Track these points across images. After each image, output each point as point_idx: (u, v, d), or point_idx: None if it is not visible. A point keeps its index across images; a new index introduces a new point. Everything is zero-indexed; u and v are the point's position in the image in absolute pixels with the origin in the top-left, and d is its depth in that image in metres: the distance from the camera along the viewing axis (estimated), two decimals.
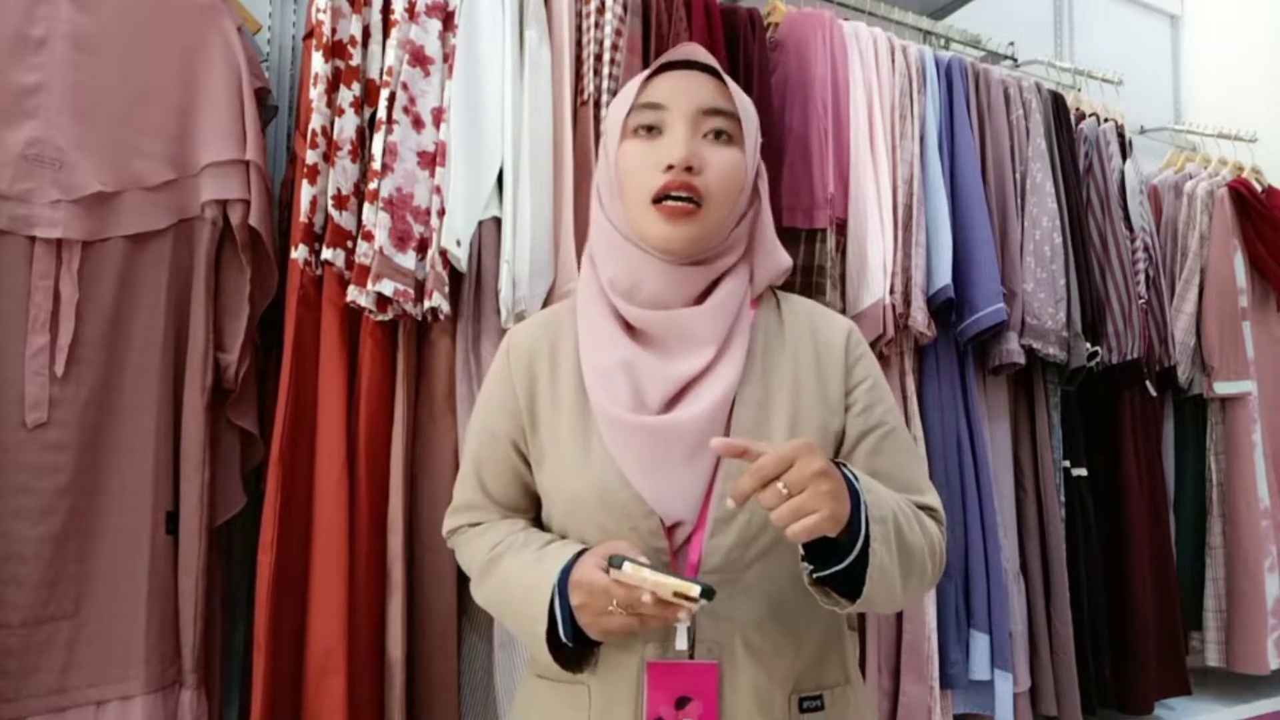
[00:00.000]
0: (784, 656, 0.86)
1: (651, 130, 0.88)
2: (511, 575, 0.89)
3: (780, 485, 0.71)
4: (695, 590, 0.73)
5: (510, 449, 0.95)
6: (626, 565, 0.74)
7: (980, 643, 1.79)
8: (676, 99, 0.87)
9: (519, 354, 0.95)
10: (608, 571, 0.77)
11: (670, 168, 0.84)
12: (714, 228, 0.88)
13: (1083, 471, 2.05)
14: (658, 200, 0.85)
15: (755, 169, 0.94)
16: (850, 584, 0.78)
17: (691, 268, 0.89)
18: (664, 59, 0.92)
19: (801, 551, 0.81)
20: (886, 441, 0.92)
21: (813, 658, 0.89)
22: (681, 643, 0.84)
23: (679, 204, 0.85)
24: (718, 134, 0.88)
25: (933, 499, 0.92)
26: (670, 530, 0.85)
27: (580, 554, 0.84)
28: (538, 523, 0.98)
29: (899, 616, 1.73)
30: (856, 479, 0.79)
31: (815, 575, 0.80)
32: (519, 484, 0.96)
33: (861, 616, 1.67)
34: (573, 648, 0.84)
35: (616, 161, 0.89)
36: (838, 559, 0.77)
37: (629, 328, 0.90)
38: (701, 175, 0.86)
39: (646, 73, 0.92)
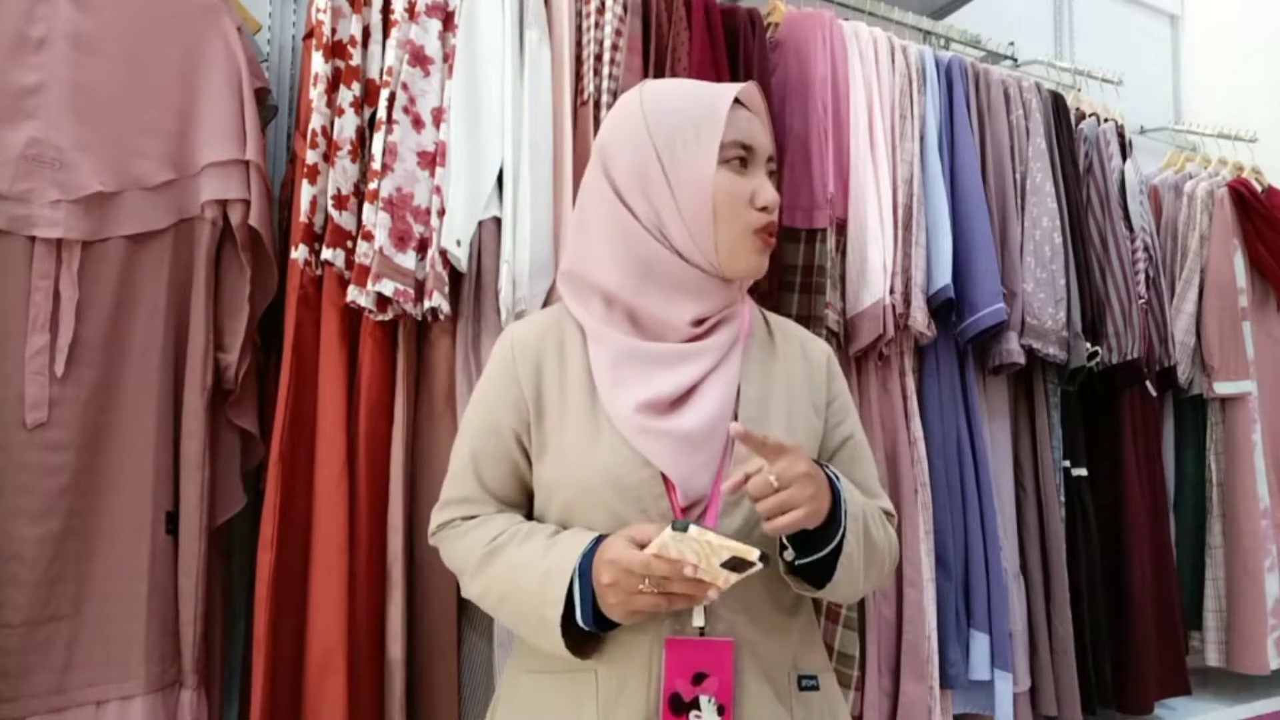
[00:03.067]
0: (782, 636, 0.93)
1: (745, 165, 0.95)
2: (520, 563, 0.89)
3: (771, 477, 0.80)
4: (755, 554, 0.77)
5: (512, 442, 0.97)
6: (692, 528, 0.76)
7: (980, 643, 1.79)
8: (758, 142, 0.95)
9: (524, 350, 0.98)
10: (665, 537, 0.79)
11: (764, 209, 0.93)
12: None
13: (1083, 471, 2.05)
14: (755, 232, 0.94)
15: None
16: (818, 572, 0.87)
17: (728, 283, 0.96)
18: (735, 89, 0.95)
19: (782, 539, 0.88)
20: (853, 452, 1.03)
21: (802, 641, 0.96)
22: (699, 619, 0.87)
23: (770, 237, 0.95)
24: (770, 175, 0.98)
25: (888, 503, 1.04)
26: (682, 513, 0.89)
27: (599, 539, 0.86)
28: (531, 519, 0.99)
29: (899, 616, 1.73)
30: (838, 479, 0.89)
31: (796, 562, 0.88)
32: (516, 478, 0.98)
33: (861, 617, 1.67)
34: (583, 634, 0.86)
35: (710, 193, 0.91)
36: (814, 549, 0.86)
37: (640, 330, 0.95)
38: (775, 214, 0.96)
39: (727, 98, 0.94)
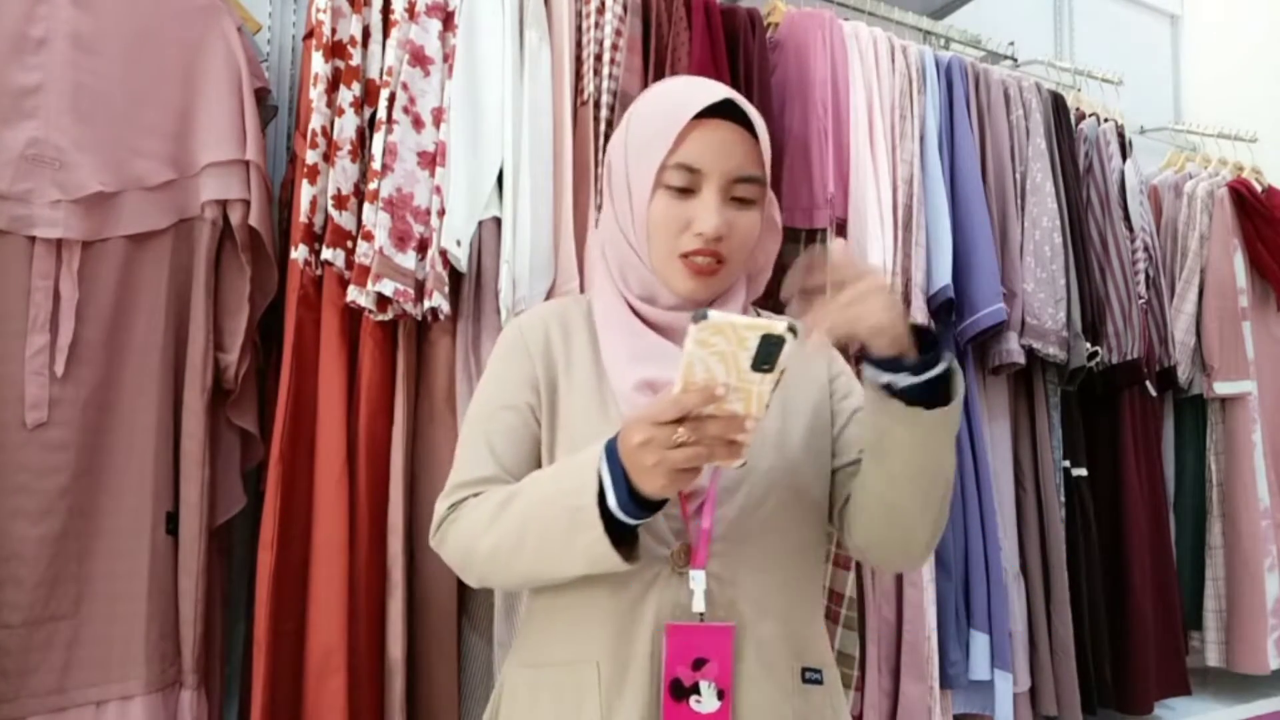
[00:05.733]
0: (786, 625, 0.91)
1: (685, 191, 0.90)
2: (540, 480, 0.86)
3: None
4: (782, 326, 0.70)
5: (530, 416, 0.95)
6: (713, 313, 0.70)
7: (980, 643, 1.79)
8: (713, 163, 0.89)
9: (535, 334, 0.98)
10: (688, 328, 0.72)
11: (700, 235, 0.88)
12: (729, 279, 0.95)
13: (1083, 471, 2.05)
14: (684, 256, 0.90)
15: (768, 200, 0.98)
16: (924, 396, 0.78)
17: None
18: (703, 102, 0.89)
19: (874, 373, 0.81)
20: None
21: (808, 632, 0.94)
22: (699, 604, 0.86)
23: (704, 263, 0.90)
24: (743, 200, 0.91)
25: None
26: (684, 499, 0.89)
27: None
28: None
29: (899, 616, 1.73)
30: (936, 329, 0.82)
31: (903, 385, 0.78)
32: (535, 456, 0.95)
33: (861, 617, 1.67)
34: (617, 525, 0.79)
35: (647, 212, 0.91)
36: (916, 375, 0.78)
37: (646, 321, 0.95)
38: (726, 241, 0.90)
39: (683, 116, 0.89)
